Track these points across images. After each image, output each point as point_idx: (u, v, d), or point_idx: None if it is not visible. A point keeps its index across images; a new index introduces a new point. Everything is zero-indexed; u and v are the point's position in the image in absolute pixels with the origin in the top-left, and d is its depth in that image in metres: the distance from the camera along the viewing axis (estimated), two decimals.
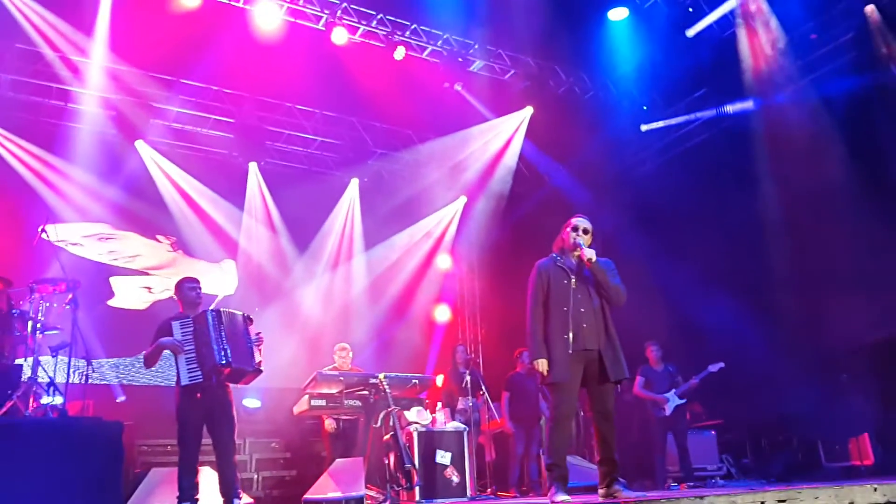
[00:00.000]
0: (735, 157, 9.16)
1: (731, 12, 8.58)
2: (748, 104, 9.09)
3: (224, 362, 5.01)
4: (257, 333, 5.39)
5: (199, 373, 5.00)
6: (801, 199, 8.34)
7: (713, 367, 8.08)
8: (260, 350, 5.35)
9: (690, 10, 8.69)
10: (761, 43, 8.45)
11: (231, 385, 5.26)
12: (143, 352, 5.22)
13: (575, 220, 4.62)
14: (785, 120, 8.64)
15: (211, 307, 5.35)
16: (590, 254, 4.43)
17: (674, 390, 8.03)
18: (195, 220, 9.38)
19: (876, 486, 3.11)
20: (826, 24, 8.56)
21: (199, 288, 5.44)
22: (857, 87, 8.18)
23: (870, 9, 8.02)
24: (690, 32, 8.82)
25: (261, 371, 5.31)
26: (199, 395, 5.03)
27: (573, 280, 4.46)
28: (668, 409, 7.96)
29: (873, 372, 8.20)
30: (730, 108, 9.34)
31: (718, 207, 9.08)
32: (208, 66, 8.46)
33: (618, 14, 8.73)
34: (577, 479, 6.47)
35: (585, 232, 4.57)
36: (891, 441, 7.86)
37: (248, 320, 5.37)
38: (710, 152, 9.85)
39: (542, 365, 4.34)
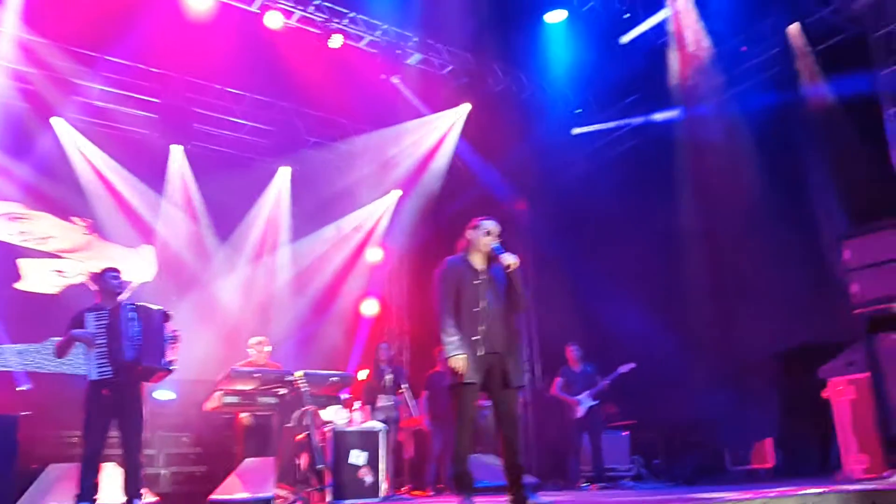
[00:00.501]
0: (660, 165, 9.41)
1: (664, 22, 8.73)
2: (675, 113, 9.32)
3: (133, 359, 4.94)
4: (174, 331, 5.28)
5: (109, 368, 4.91)
6: (718, 210, 8.64)
7: (623, 368, 8.30)
8: (175, 349, 5.25)
9: (627, 16, 8.82)
10: (689, 54, 8.64)
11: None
12: (53, 338, 5.08)
13: (487, 224, 4.51)
14: (708, 131, 8.93)
15: (127, 296, 5.21)
16: (511, 259, 4.38)
17: (586, 392, 8.21)
18: (112, 203, 8.99)
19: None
20: (753, 38, 8.84)
21: (121, 279, 5.29)
22: (778, 102, 8.48)
23: (793, 28, 8.30)
24: (624, 39, 8.97)
25: (171, 370, 5.22)
26: (105, 390, 4.92)
27: (482, 281, 4.42)
28: (581, 411, 8.15)
29: (777, 380, 8.60)
30: (658, 116, 9.56)
31: (641, 214, 9.32)
32: (134, 43, 8.07)
33: (556, 16, 8.78)
34: (488, 479, 6.56)
35: (498, 236, 4.51)
36: (790, 446, 8.27)
37: (165, 317, 5.26)
38: (638, 159, 10.11)
39: (460, 362, 4.21)
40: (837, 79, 8.17)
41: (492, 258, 4.47)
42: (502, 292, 4.45)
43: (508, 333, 4.45)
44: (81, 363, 5.04)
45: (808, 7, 8.22)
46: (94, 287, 5.29)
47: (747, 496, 3.90)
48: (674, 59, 8.89)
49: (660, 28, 8.86)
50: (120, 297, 5.20)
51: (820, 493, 3.66)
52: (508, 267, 4.37)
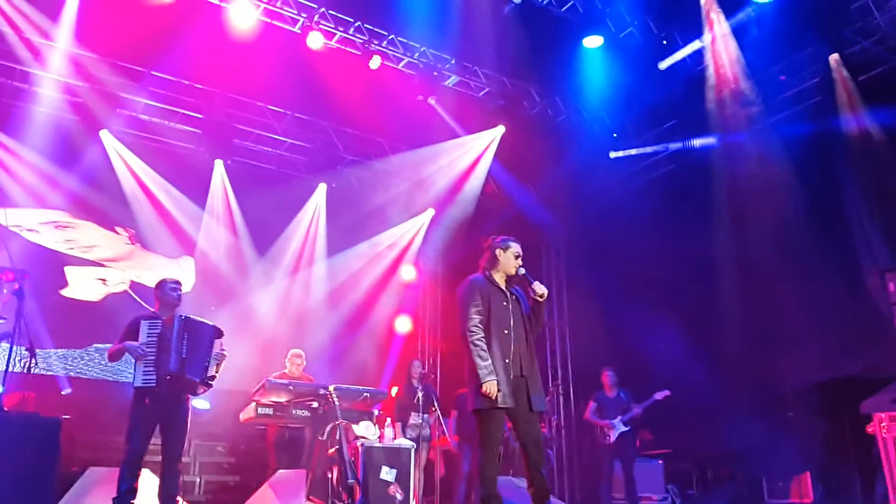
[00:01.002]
0: (697, 191, 9.35)
1: (703, 48, 8.72)
2: (712, 140, 9.27)
3: (176, 371, 5.06)
4: (222, 349, 5.40)
5: (153, 377, 5.03)
6: (756, 238, 8.52)
7: (658, 395, 8.19)
8: (219, 365, 5.37)
9: (665, 42, 8.83)
10: (727, 81, 8.61)
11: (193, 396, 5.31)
12: (96, 344, 5.20)
13: (516, 245, 4.50)
14: (745, 158, 8.84)
15: (182, 313, 5.34)
16: (542, 290, 4.36)
17: (619, 417, 8.10)
18: (154, 214, 9.21)
19: None
20: (792, 68, 8.80)
21: (180, 290, 5.46)
22: (818, 131, 8.39)
23: (834, 58, 8.25)
24: (663, 65, 8.97)
25: (210, 385, 5.32)
26: (147, 399, 5.03)
27: (511, 302, 4.37)
28: (613, 436, 8.04)
29: (817, 412, 8.39)
30: (697, 142, 9.52)
31: (677, 239, 9.23)
32: (180, 60, 8.33)
33: (593, 42, 8.81)
34: (519, 502, 6.48)
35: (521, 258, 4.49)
36: (830, 480, 8.04)
37: (216, 333, 5.39)
38: (674, 184, 10.05)
39: (491, 388, 4.10)
40: (879, 109, 8.07)
41: (511, 279, 4.43)
42: (524, 315, 4.42)
43: (531, 356, 4.38)
44: (123, 370, 5.16)
45: (850, 37, 8.17)
46: (135, 297, 5.45)
47: None
48: (711, 86, 8.85)
49: (698, 55, 8.85)
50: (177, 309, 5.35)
51: None
52: (541, 297, 4.35)
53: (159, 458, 5.18)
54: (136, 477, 4.94)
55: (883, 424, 6.97)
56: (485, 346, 4.20)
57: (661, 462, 8.86)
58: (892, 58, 8.15)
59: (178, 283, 5.49)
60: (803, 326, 8.17)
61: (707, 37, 8.40)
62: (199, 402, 8.21)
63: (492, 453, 4.20)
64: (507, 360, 4.23)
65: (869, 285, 7.72)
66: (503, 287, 4.40)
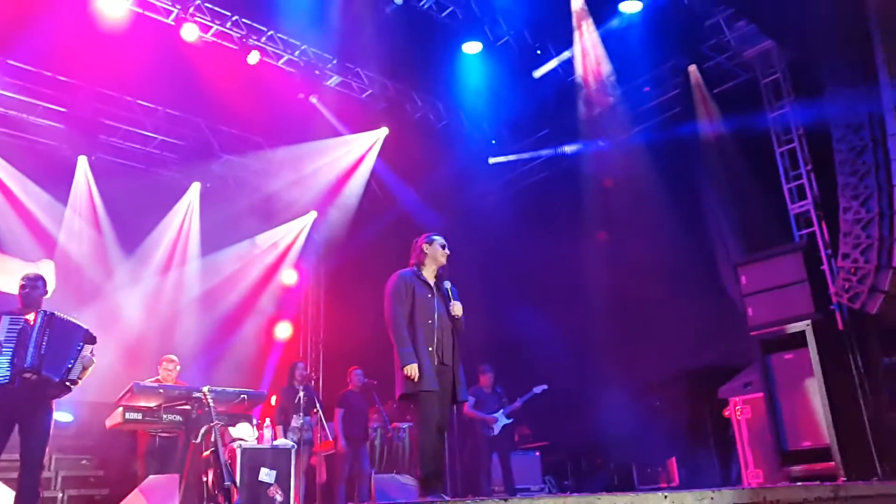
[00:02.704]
0: (569, 195, 9.83)
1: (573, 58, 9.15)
2: (582, 146, 9.76)
3: (31, 366, 4.75)
4: (91, 353, 5.14)
5: (7, 374, 4.72)
6: (624, 239, 9.04)
7: (537, 389, 8.54)
8: (85, 370, 5.12)
9: (539, 52, 9.20)
10: (595, 90, 9.09)
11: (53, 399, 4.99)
12: None
13: (438, 238, 4.77)
14: (612, 164, 9.39)
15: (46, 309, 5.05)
16: (457, 311, 4.60)
17: (502, 410, 8.33)
18: (12, 214, 8.54)
19: (665, 494, 3.38)
20: (656, 79, 9.41)
21: (43, 287, 5.16)
22: (678, 139, 9.03)
23: (692, 69, 8.90)
24: (537, 73, 9.33)
25: (69, 388, 5.04)
26: (0, 398, 4.69)
27: (435, 295, 4.61)
28: (497, 429, 8.25)
29: (680, 400, 8.97)
30: (568, 149, 9.97)
31: (553, 242, 9.62)
32: (42, 49, 7.77)
33: (472, 48, 9.04)
34: (402, 497, 6.50)
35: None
36: (693, 464, 8.60)
37: (88, 338, 5.14)
38: (549, 189, 10.52)
39: (413, 370, 4.34)
40: (733, 118, 8.79)
41: (439, 275, 4.70)
42: (448, 309, 4.64)
43: (455, 347, 4.62)
44: None
45: (707, 53, 8.85)
46: None
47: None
48: (582, 95, 9.31)
49: (570, 64, 9.29)
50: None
51: (716, 491, 3.84)
52: (457, 316, 4.61)
53: (15, 475, 4.82)
54: None
55: (737, 408, 7.57)
56: (405, 334, 4.46)
57: (538, 454, 9.17)
58: (742, 73, 8.90)
59: (39, 278, 5.17)
60: (668, 320, 8.72)
61: (577, 47, 8.82)
62: (60, 415, 7.68)
63: (430, 434, 4.38)
64: (430, 349, 4.47)
65: (724, 279, 8.35)
66: (430, 281, 4.66)
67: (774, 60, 8.57)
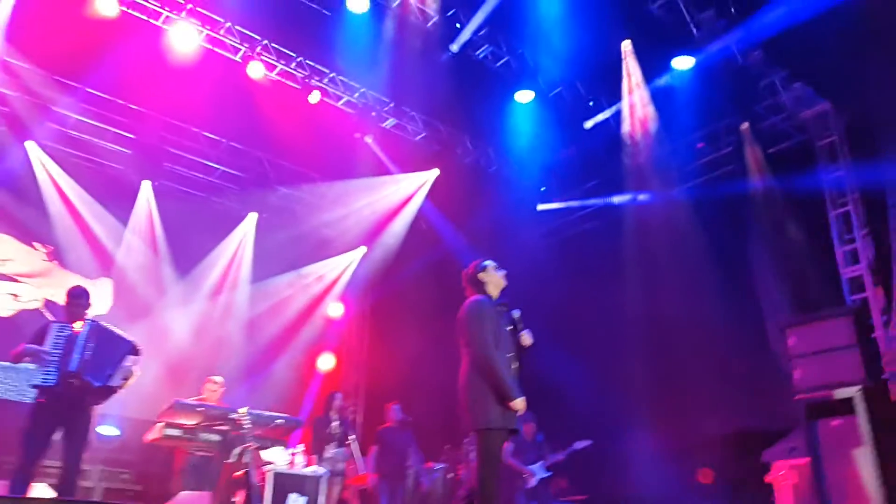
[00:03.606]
0: (615, 247, 9.77)
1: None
2: (630, 198, 9.76)
3: (75, 371, 4.94)
4: (134, 365, 5.32)
5: (53, 377, 4.91)
6: (669, 295, 8.92)
7: (579, 445, 8.30)
8: (126, 381, 5.30)
9: (591, 103, 9.33)
10: (645, 144, 9.14)
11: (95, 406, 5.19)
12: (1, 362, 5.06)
13: (489, 262, 4.58)
14: (661, 218, 9.33)
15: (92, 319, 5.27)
16: (530, 341, 4.46)
17: (541, 462, 8.17)
18: (76, 232, 8.98)
19: None
20: (709, 136, 9.42)
21: (88, 299, 5.37)
22: (730, 196, 8.96)
23: (744, 126, 8.89)
24: (588, 124, 9.44)
25: (108, 395, 5.23)
26: (45, 399, 4.92)
27: (509, 328, 4.42)
28: (534, 481, 8.08)
29: (723, 462, 8.69)
30: (616, 200, 9.98)
31: (598, 294, 9.56)
32: (116, 78, 8.27)
33: (524, 96, 9.23)
34: None
35: None
36: None
37: (133, 350, 5.33)
38: (595, 240, 10.49)
39: (521, 404, 4.13)
40: (785, 178, 8.70)
41: (502, 303, 4.51)
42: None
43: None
44: (27, 390, 5.03)
45: (761, 112, 8.84)
46: (49, 315, 5.35)
47: None
48: (629, 148, 9.36)
49: (621, 116, 9.37)
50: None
51: None
52: (528, 345, 4.45)
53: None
54: (27, 487, 4.71)
55: (781, 473, 7.30)
56: (502, 366, 4.19)
57: None
58: (797, 133, 8.85)
59: (84, 291, 5.41)
60: (711, 378, 8.53)
61: (625, 101, 8.92)
62: (106, 429, 7.93)
63: (494, 472, 4.17)
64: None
65: (771, 340, 8.15)
66: (500, 309, 4.46)
67: (831, 122, 8.51)
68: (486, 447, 4.16)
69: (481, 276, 4.51)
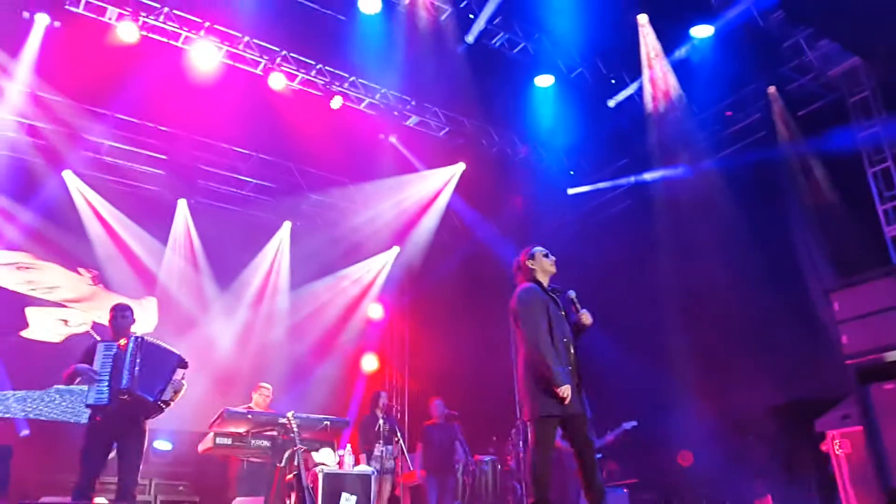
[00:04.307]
0: (652, 224, 9.62)
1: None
2: (663, 174, 9.62)
3: (126, 387, 5.06)
4: (182, 378, 5.45)
5: (105, 395, 5.06)
6: (709, 268, 8.77)
7: (627, 425, 8.28)
8: (177, 393, 5.43)
9: (613, 81, 9.22)
10: (671, 117, 8.99)
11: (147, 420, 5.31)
12: (56, 385, 5.28)
13: (538, 248, 4.64)
14: (695, 191, 9.17)
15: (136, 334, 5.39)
16: (589, 320, 4.46)
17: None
18: (118, 254, 9.28)
19: None
20: (737, 104, 9.23)
21: (131, 315, 5.53)
22: (763, 162, 8.77)
23: (772, 90, 8.69)
24: (612, 102, 9.34)
25: (162, 408, 5.36)
26: (99, 416, 5.08)
27: (562, 311, 4.46)
28: None
29: (775, 435, 8.53)
30: (648, 177, 9.85)
31: (634, 272, 9.47)
32: (143, 102, 8.52)
33: (544, 81, 9.16)
34: None
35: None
36: (791, 503, 8.13)
37: (181, 363, 5.46)
38: (630, 219, 10.35)
39: (567, 391, 4.13)
40: (819, 140, 8.48)
41: (553, 288, 4.56)
42: (570, 322, 4.49)
43: (578, 364, 4.42)
44: (84, 411, 5.19)
45: (789, 75, 8.63)
46: (96, 336, 5.50)
47: None
48: (657, 122, 9.23)
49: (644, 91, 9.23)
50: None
51: None
52: (587, 324, 4.45)
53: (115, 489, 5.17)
54: (88, 502, 4.90)
55: (836, 442, 7.14)
56: (552, 352, 4.23)
57: (626, 491, 8.88)
58: (827, 93, 8.61)
59: (128, 308, 5.57)
60: (758, 351, 8.38)
61: (646, 74, 8.79)
62: (160, 444, 8.17)
63: (545, 458, 4.23)
64: (569, 368, 4.27)
65: (815, 306, 7.97)
66: (553, 295, 4.50)
67: (862, 78, 8.26)
68: (537, 434, 4.24)
69: (530, 263, 4.59)
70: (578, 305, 4.49)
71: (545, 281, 4.54)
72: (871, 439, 6.66)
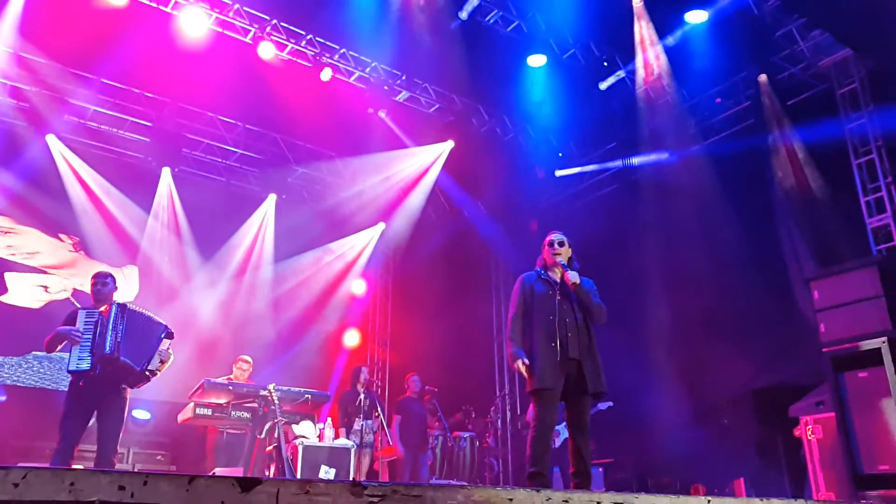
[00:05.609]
0: (637, 208, 9.67)
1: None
2: (651, 158, 9.64)
3: (111, 353, 5.03)
4: (168, 348, 5.43)
5: (88, 361, 5.01)
6: (691, 253, 8.84)
7: (602, 405, 8.34)
8: (164, 363, 5.41)
9: (605, 63, 9.19)
10: (662, 101, 9.00)
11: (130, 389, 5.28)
12: (35, 351, 5.20)
13: (550, 236, 4.78)
14: (682, 176, 9.20)
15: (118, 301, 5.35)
16: (574, 277, 4.56)
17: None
18: (100, 221, 9.16)
19: (709, 498, 3.33)
20: (727, 91, 9.24)
21: (109, 283, 5.45)
22: (750, 149, 8.82)
23: (762, 78, 8.71)
24: (603, 85, 9.32)
25: (148, 378, 5.33)
26: (82, 382, 5.03)
27: (558, 293, 4.57)
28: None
29: (750, 419, 8.67)
30: (636, 161, 9.87)
31: (618, 256, 9.51)
32: (130, 68, 8.36)
33: (537, 60, 9.11)
34: None
35: (561, 244, 4.69)
36: (763, 485, 8.29)
37: (167, 333, 5.43)
38: (617, 201, 10.37)
39: (521, 365, 4.41)
40: (807, 129, 8.53)
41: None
42: (576, 305, 4.59)
43: (587, 341, 4.52)
44: (62, 378, 5.15)
45: (780, 63, 8.65)
46: (76, 304, 5.44)
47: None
48: (648, 107, 9.22)
49: (636, 75, 9.22)
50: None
51: (764, 500, 3.72)
52: (573, 284, 4.57)
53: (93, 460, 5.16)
54: (69, 466, 4.89)
55: (808, 427, 7.27)
56: (516, 333, 4.57)
57: (601, 470, 9.01)
58: (817, 83, 8.65)
59: (109, 275, 5.50)
60: (737, 336, 8.49)
61: (639, 58, 8.77)
62: (138, 413, 8.15)
63: (541, 435, 4.37)
64: (553, 344, 4.41)
65: (796, 294, 8.07)
66: (556, 279, 4.64)
67: (852, 69, 8.29)
68: (535, 407, 4.47)
69: (544, 247, 4.78)
70: (564, 268, 4.62)
71: (557, 270, 4.67)
72: (842, 426, 6.81)
